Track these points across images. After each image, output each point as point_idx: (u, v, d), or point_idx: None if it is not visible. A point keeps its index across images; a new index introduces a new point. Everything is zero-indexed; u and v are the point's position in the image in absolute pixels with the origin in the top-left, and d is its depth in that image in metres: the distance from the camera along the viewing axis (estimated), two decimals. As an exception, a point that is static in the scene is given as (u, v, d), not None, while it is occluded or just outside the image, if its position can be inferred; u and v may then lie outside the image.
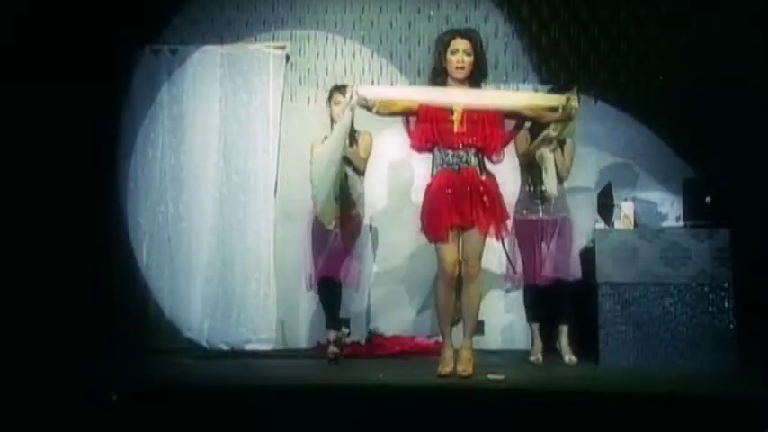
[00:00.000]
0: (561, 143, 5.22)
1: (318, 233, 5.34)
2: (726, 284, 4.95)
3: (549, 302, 5.27)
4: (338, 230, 5.22)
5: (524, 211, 5.25)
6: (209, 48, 6.41)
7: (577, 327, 5.30)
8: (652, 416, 3.55)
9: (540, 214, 5.24)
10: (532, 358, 5.25)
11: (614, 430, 3.55)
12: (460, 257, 4.44)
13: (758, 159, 5.51)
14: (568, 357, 5.18)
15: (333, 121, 5.31)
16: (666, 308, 4.99)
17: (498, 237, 4.52)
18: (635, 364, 4.97)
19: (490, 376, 4.38)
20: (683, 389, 4.15)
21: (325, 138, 5.13)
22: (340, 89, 5.32)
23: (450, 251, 4.40)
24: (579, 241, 5.51)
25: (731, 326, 4.91)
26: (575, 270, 5.20)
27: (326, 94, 5.62)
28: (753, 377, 4.55)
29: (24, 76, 5.66)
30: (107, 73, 6.21)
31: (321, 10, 6.48)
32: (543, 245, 5.21)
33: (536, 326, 5.34)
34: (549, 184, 5.11)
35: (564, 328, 5.25)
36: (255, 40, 6.48)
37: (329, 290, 5.43)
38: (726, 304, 4.93)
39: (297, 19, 6.50)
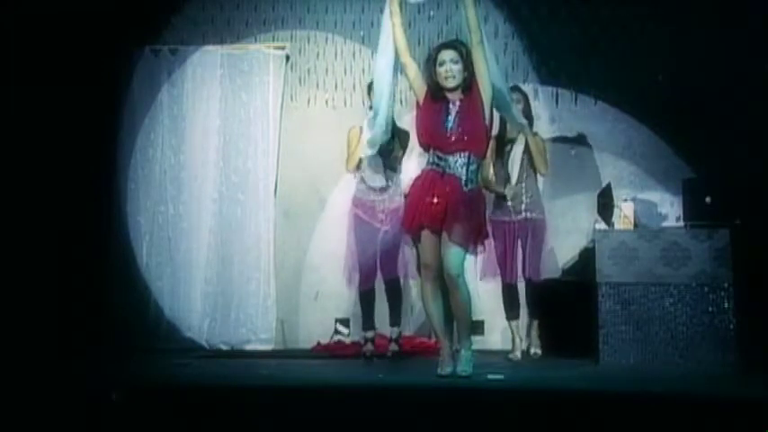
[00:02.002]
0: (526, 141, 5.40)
1: (363, 232, 5.40)
2: (726, 284, 4.94)
3: (525, 300, 5.45)
4: (387, 227, 5.34)
5: (496, 212, 5.36)
6: (209, 48, 6.43)
7: (573, 325, 5.32)
8: (652, 416, 3.54)
9: (512, 216, 5.36)
10: (510, 356, 5.34)
11: (614, 430, 3.54)
12: (444, 263, 4.41)
13: (758, 159, 5.52)
14: (534, 350, 5.36)
15: None
16: (666, 308, 4.98)
17: (473, 250, 4.51)
18: (635, 363, 4.96)
19: (490, 376, 4.37)
20: (683, 389, 4.15)
21: (361, 128, 5.29)
22: None
23: (426, 252, 4.41)
24: (567, 241, 5.74)
25: (731, 326, 4.91)
26: (546, 269, 5.33)
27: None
28: (753, 377, 4.55)
29: (25, 76, 5.66)
30: (107, 73, 6.22)
31: (321, 10, 6.48)
32: (515, 246, 5.35)
33: (515, 324, 5.43)
34: (513, 185, 5.37)
35: (534, 323, 5.42)
36: (255, 40, 6.49)
37: (394, 288, 5.48)
38: (726, 304, 4.93)
39: (297, 19, 6.50)
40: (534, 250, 5.31)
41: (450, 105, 4.45)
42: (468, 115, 4.44)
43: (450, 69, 4.42)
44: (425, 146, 4.53)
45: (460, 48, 4.49)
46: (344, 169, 5.56)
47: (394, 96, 4.94)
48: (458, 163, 4.40)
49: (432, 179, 4.43)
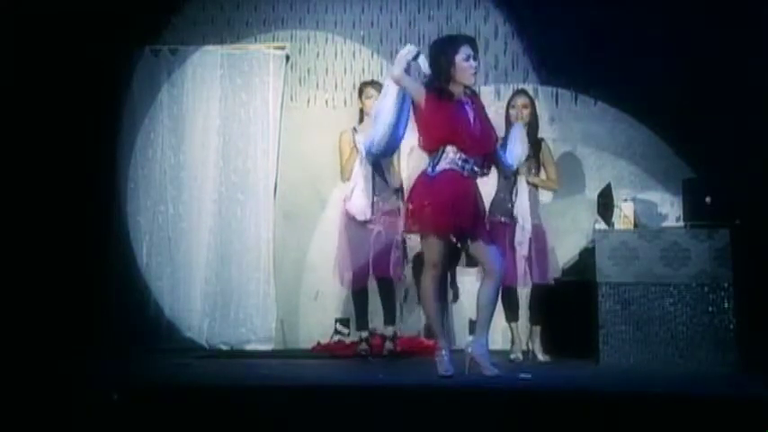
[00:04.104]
0: (536, 151, 5.40)
1: (355, 231, 5.44)
2: (726, 284, 4.93)
3: (528, 305, 5.44)
4: (380, 228, 5.39)
5: (497, 214, 5.31)
6: (209, 48, 6.43)
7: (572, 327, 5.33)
8: (652, 416, 3.54)
9: (511, 218, 5.33)
10: (512, 356, 5.34)
11: (614, 430, 3.55)
12: (481, 260, 4.45)
13: (758, 159, 5.51)
14: (542, 356, 5.33)
15: (364, 114, 5.49)
16: (666, 308, 4.98)
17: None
18: (635, 364, 4.96)
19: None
20: (683, 389, 4.15)
21: (354, 129, 5.46)
22: (372, 84, 5.57)
23: (438, 252, 4.36)
24: (567, 241, 5.78)
25: (731, 326, 4.90)
26: (547, 275, 5.32)
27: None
28: (753, 377, 4.54)
29: (25, 76, 5.66)
30: (107, 73, 6.21)
31: (321, 10, 6.49)
32: (513, 249, 5.30)
33: (514, 325, 5.42)
34: (521, 193, 5.33)
35: (536, 329, 5.39)
36: (255, 40, 6.49)
37: (386, 286, 5.51)
38: (726, 304, 4.92)
39: (297, 19, 6.50)
40: (539, 255, 5.30)
41: (466, 106, 4.41)
42: (484, 115, 4.46)
43: (474, 66, 4.38)
44: (443, 144, 4.34)
45: (476, 46, 4.48)
46: (341, 178, 5.62)
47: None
48: (477, 164, 4.39)
49: (462, 181, 4.35)
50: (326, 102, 6.43)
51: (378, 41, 6.41)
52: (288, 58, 6.44)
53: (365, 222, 5.43)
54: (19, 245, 5.57)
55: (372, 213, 5.43)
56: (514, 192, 5.36)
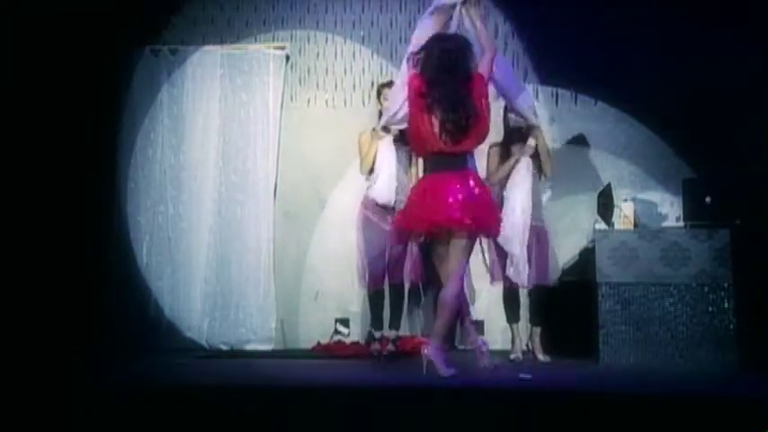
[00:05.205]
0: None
1: (372, 234, 5.45)
2: (726, 284, 4.94)
3: (528, 307, 5.44)
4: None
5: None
6: (209, 48, 6.43)
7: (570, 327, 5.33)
8: (652, 416, 3.54)
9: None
10: (512, 356, 5.34)
11: (614, 430, 3.55)
12: (449, 260, 4.46)
13: (758, 159, 5.52)
14: (542, 356, 5.31)
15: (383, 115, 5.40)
16: (666, 308, 4.99)
17: None
18: (635, 364, 4.97)
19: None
20: (683, 389, 4.15)
21: (374, 129, 5.41)
22: (389, 85, 5.49)
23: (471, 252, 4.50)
24: (567, 241, 5.77)
25: (731, 326, 4.91)
26: (547, 276, 5.32)
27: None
28: (753, 377, 4.55)
29: (25, 76, 5.66)
30: (107, 73, 6.22)
31: (321, 10, 6.49)
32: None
33: (515, 326, 5.42)
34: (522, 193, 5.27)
35: (537, 330, 5.39)
36: (255, 40, 6.49)
37: (398, 292, 5.56)
38: (726, 304, 4.93)
39: (297, 19, 6.51)
40: (540, 257, 5.30)
41: None
42: None
43: None
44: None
45: None
46: (358, 172, 5.63)
47: None
48: None
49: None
50: (326, 102, 6.43)
51: (378, 41, 6.41)
52: (288, 58, 6.45)
53: (382, 224, 5.42)
54: (19, 245, 5.57)
55: (395, 202, 5.39)
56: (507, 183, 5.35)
